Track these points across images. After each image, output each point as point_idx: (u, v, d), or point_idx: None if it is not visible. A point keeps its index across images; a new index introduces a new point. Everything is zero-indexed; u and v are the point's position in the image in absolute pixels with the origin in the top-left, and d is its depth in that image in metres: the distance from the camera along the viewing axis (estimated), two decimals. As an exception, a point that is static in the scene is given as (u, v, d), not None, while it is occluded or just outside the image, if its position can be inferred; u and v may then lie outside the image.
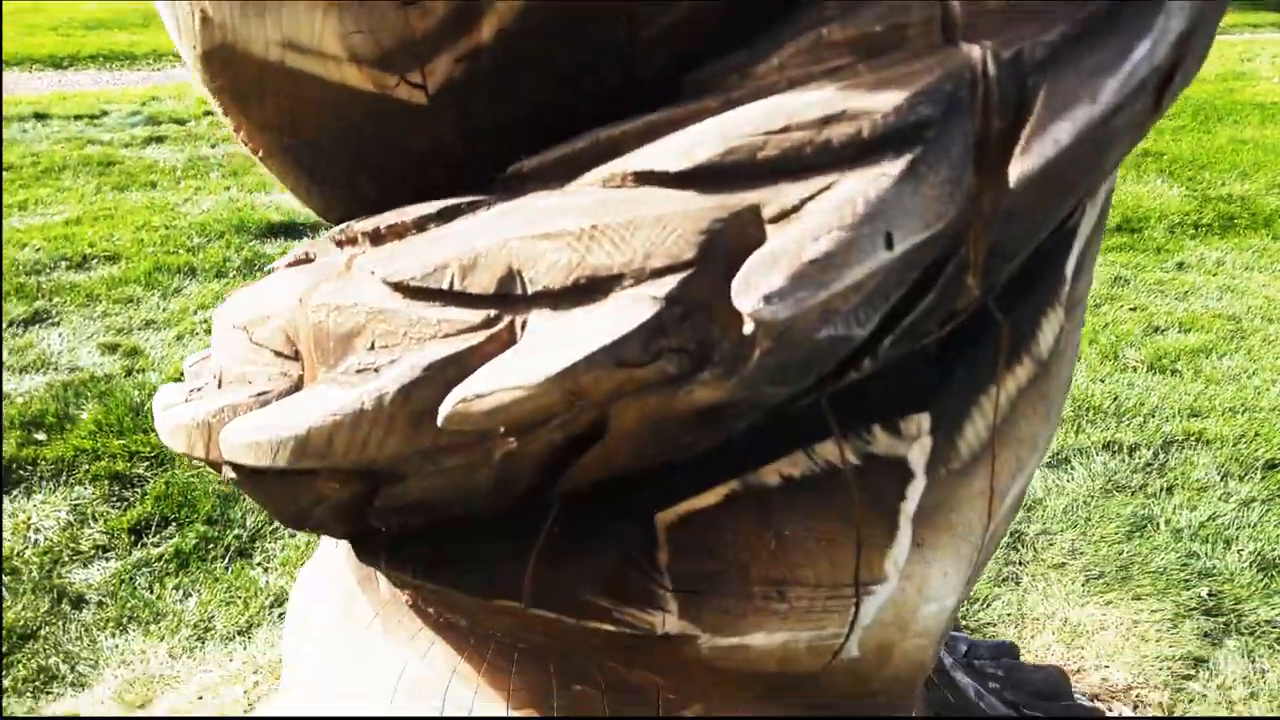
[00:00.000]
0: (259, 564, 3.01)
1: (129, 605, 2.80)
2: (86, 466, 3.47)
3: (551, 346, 0.63)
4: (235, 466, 0.83)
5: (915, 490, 0.78)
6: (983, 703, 1.40)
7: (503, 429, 0.67)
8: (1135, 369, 4.29)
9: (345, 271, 0.75)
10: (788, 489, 0.77)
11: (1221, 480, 3.51)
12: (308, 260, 0.81)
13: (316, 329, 0.72)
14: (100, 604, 2.81)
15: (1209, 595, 2.87)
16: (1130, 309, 4.89)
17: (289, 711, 1.17)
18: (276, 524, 3.24)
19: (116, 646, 2.63)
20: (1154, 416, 3.93)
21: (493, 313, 0.66)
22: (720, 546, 0.79)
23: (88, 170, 6.91)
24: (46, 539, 3.09)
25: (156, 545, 3.08)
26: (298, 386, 0.76)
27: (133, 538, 3.15)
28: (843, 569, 0.79)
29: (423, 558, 0.91)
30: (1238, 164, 7.24)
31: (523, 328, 0.65)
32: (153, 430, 3.81)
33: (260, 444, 0.73)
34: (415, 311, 0.68)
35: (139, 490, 3.41)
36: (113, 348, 4.38)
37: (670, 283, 0.59)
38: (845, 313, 0.57)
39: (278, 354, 0.77)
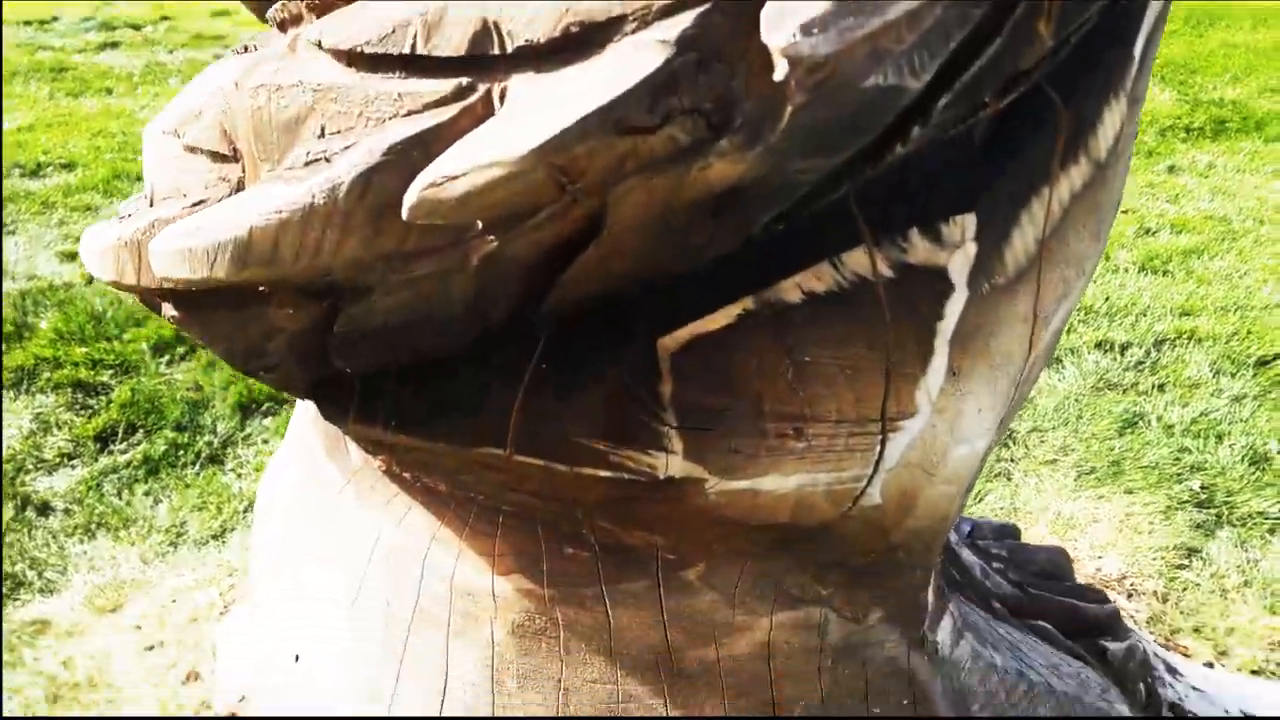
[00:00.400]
0: (232, 470, 2.92)
1: (97, 512, 2.71)
2: (48, 375, 3.34)
3: (537, 113, 0.51)
4: (174, 296, 0.72)
5: (954, 307, 0.68)
6: (988, 580, 1.34)
7: (480, 223, 0.56)
8: (1127, 270, 4.22)
9: (289, 53, 0.63)
10: (810, 307, 0.67)
11: (1213, 377, 3.47)
12: (247, 51, 0.69)
13: (256, 118, 0.61)
14: (67, 511, 2.72)
15: (1201, 488, 2.83)
16: (1122, 212, 4.81)
17: (256, 575, 1.08)
18: (249, 429, 3.13)
19: (85, 553, 2.54)
20: (1145, 316, 3.87)
21: (465, 80, 0.55)
22: (731, 376, 0.69)
23: (39, 77, 6.60)
24: (9, 448, 2.97)
25: (124, 452, 2.98)
26: (239, 190, 0.65)
27: (99, 445, 3.04)
28: (869, 402, 0.70)
29: (395, 407, 0.81)
30: (1229, 68, 7.10)
31: (501, 97, 0.54)
32: (116, 337, 3.67)
33: (194, 251, 0.62)
34: (372, 86, 0.57)
35: (103, 398, 3.29)
36: (71, 256, 4.21)
37: (683, 21, 0.48)
38: (898, 55, 0.46)
39: (214, 156, 0.66)
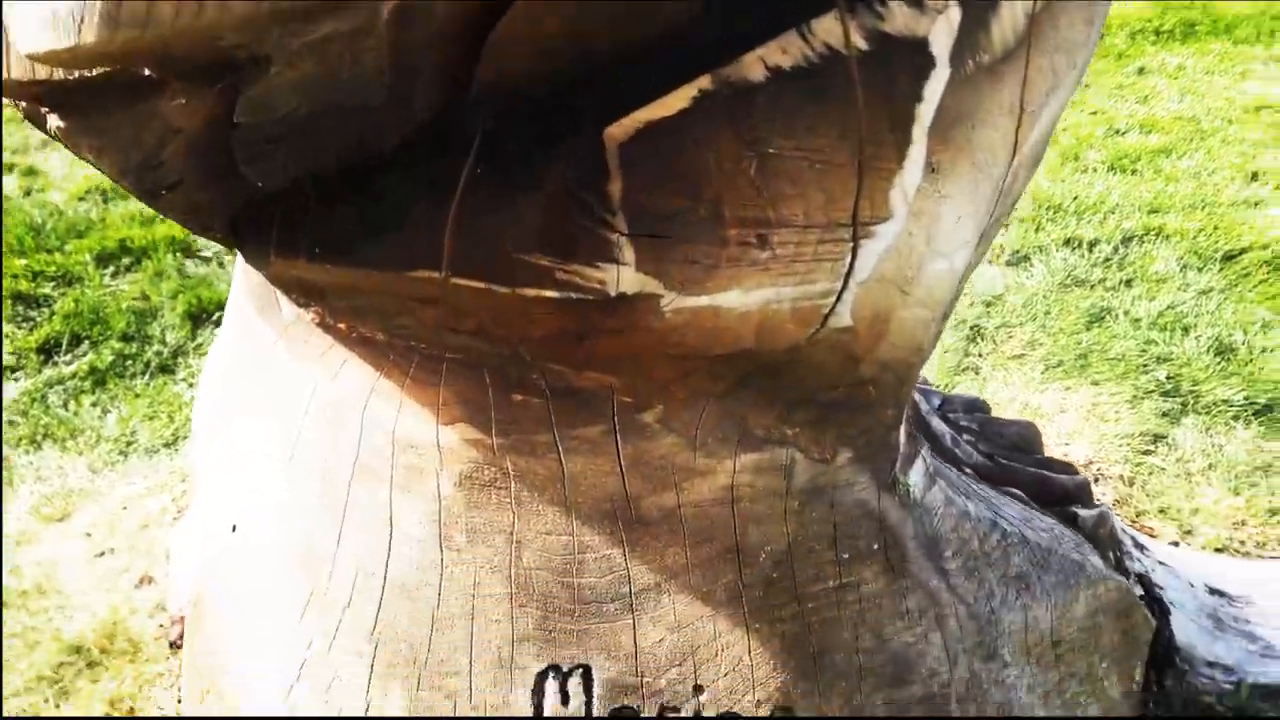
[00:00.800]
0: (183, 379, 2.82)
1: (42, 423, 2.61)
2: (-15, 288, 3.20)
3: None
4: (56, 99, 0.63)
5: (935, 87, 0.61)
6: (958, 449, 1.30)
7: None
8: (1096, 170, 4.18)
9: None
10: (774, 86, 0.59)
11: (1180, 272, 3.46)
12: None
13: None
14: (10, 423, 2.62)
15: (1167, 379, 2.83)
16: (1091, 113, 4.75)
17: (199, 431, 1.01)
18: (200, 338, 3.03)
19: (31, 463, 2.46)
20: (1114, 214, 3.84)
21: None
22: (687, 172, 0.62)
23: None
24: (-55, 359, 2.85)
25: (69, 364, 2.87)
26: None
27: (42, 357, 2.93)
28: (839, 203, 0.64)
29: (318, 234, 0.74)
30: (1200, -31, 7.00)
31: None
32: (57, 249, 3.52)
33: (59, 14, 0.53)
34: None
35: (45, 310, 3.16)
36: (9, 168, 4.02)
37: None
38: None
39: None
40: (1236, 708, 1.87)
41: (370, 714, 0.87)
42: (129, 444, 2.53)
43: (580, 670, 0.85)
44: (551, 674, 0.85)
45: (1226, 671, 1.90)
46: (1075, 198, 3.92)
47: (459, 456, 0.85)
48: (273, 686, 0.92)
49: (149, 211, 3.78)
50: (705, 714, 0.83)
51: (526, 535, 0.85)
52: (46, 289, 3.28)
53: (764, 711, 0.83)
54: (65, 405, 2.71)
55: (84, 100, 0.62)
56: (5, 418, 2.71)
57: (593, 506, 0.84)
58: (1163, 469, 2.44)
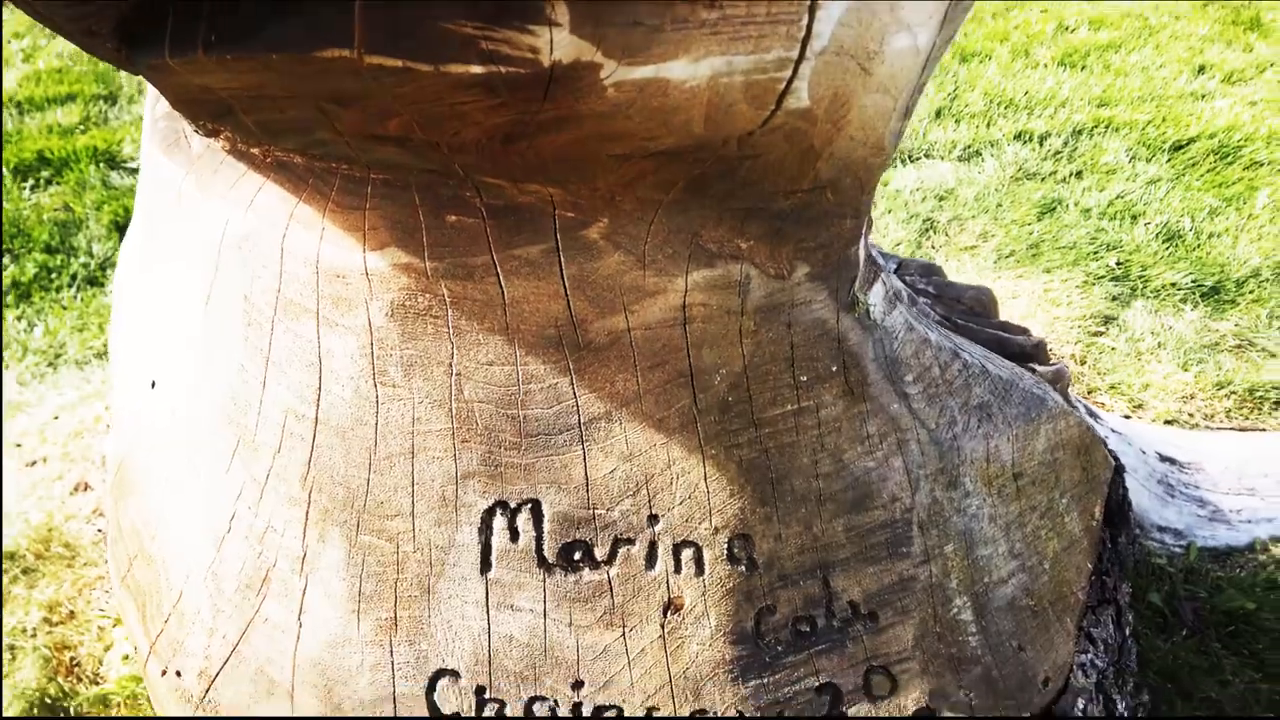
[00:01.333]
0: (112, 291, 2.70)
1: (-37, 338, 2.49)
2: (-106, 203, 3.02)
3: None
4: None
5: None
6: (915, 307, 1.27)
7: None
8: (1046, 66, 4.15)
9: None
10: None
11: (1129, 163, 3.46)
12: None
13: None
14: (-72, 339, 2.48)
15: (1117, 264, 2.84)
16: (1041, 10, 4.70)
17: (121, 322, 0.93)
18: (129, 251, 2.90)
19: (-47, 379, 2.34)
20: (1064, 108, 3.82)
21: None
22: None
23: None
24: None
25: (-11, 278, 2.73)
26: None
27: (-41, 272, 2.78)
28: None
29: (215, 21, 0.66)
30: None
31: None
32: (-30, 163, 3.32)
33: None
34: None
35: (-39, 225, 3.00)
36: (-90, 80, 3.79)
37: None
38: None
39: None
40: (1185, 569, 1.91)
41: (307, 559, 0.82)
42: (58, 356, 2.42)
43: (529, 505, 0.80)
44: (499, 511, 0.80)
45: (1176, 535, 1.93)
46: (1026, 93, 3.89)
47: (390, 284, 0.79)
48: (203, 543, 0.87)
49: (68, 121, 3.59)
50: (660, 542, 0.79)
51: (467, 366, 0.79)
52: (-39, 204, 3.10)
53: (722, 538, 0.80)
54: (-13, 320, 2.58)
55: None
56: (-78, 334, 2.57)
57: (537, 333, 0.79)
58: (1113, 348, 2.46)
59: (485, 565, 0.80)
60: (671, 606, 0.80)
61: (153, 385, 0.93)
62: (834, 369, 0.82)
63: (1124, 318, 2.60)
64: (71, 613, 1.68)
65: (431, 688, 0.81)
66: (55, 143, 3.37)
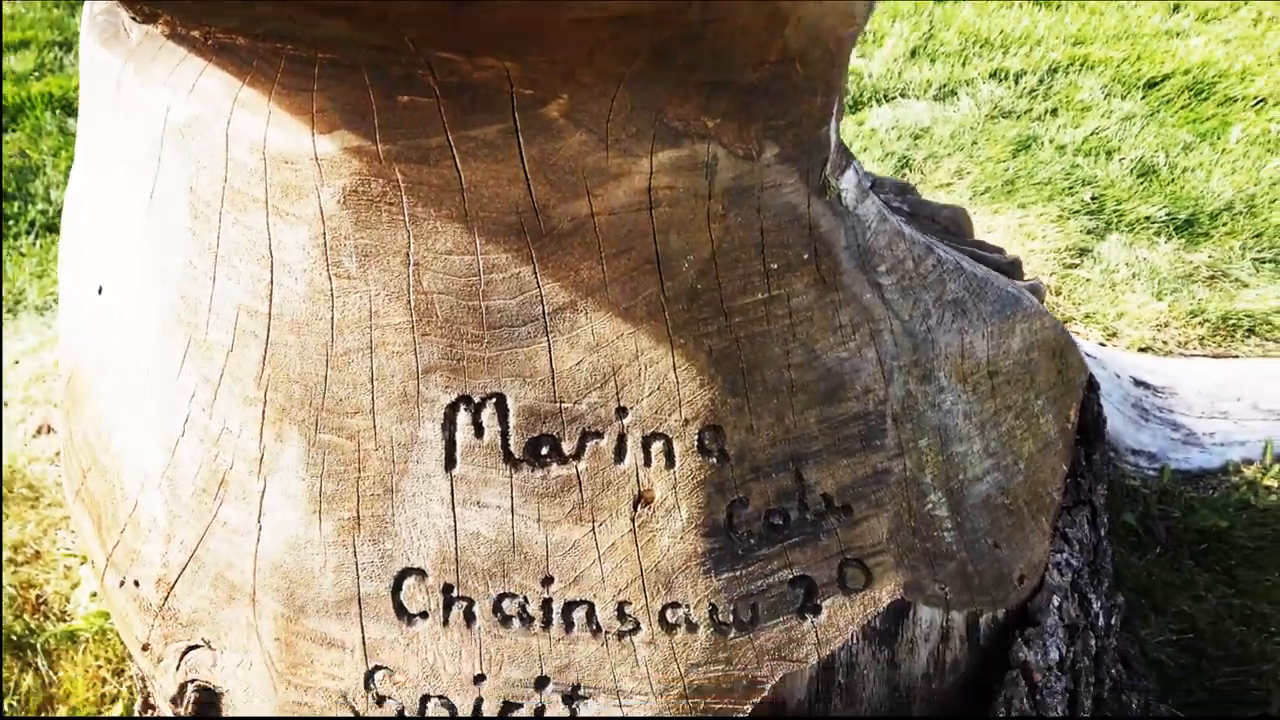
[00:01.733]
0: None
1: (-78, 287, 2.42)
2: None
3: None
4: None
5: None
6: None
7: None
8: (1022, 4, 4.11)
9: None
10: None
11: (1104, 99, 3.44)
12: None
13: None
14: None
15: (1092, 199, 2.83)
16: (1016, -51, 4.66)
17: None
18: (88, 198, 2.82)
19: (-92, 327, 2.28)
20: (1040, 46, 3.79)
21: None
22: None
23: None
24: None
25: (-50, 224, 2.65)
26: None
27: (-88, 220, 2.70)
28: None
29: None
30: None
31: None
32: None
33: None
34: None
35: (-87, 173, 2.91)
36: None
37: None
38: None
39: None
40: (1159, 491, 1.91)
41: (265, 460, 0.79)
42: (17, 302, 2.37)
43: (494, 399, 0.78)
44: (462, 406, 0.78)
45: (1150, 459, 1.93)
46: (1001, 32, 3.86)
47: (341, 169, 0.76)
48: (156, 448, 0.84)
49: (22, 68, 3.48)
50: (629, 435, 0.77)
51: (425, 256, 0.76)
52: (-88, 151, 3.01)
53: (692, 430, 0.78)
54: (-52, 270, 2.52)
55: None
56: (-125, 282, 2.50)
57: (496, 220, 0.76)
58: (1088, 280, 2.45)
59: (450, 462, 0.78)
60: (642, 500, 0.78)
61: (99, 291, 0.90)
62: (805, 256, 0.80)
63: (1099, 250, 2.59)
64: (37, 553, 1.65)
65: (397, 587, 0.78)
66: (9, 89, 3.27)
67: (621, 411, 0.78)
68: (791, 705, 0.81)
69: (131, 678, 1.43)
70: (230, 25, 0.75)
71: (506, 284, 0.77)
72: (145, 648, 0.85)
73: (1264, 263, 2.67)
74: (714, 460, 0.78)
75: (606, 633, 0.78)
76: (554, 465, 0.78)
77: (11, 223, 2.66)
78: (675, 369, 0.77)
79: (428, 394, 0.78)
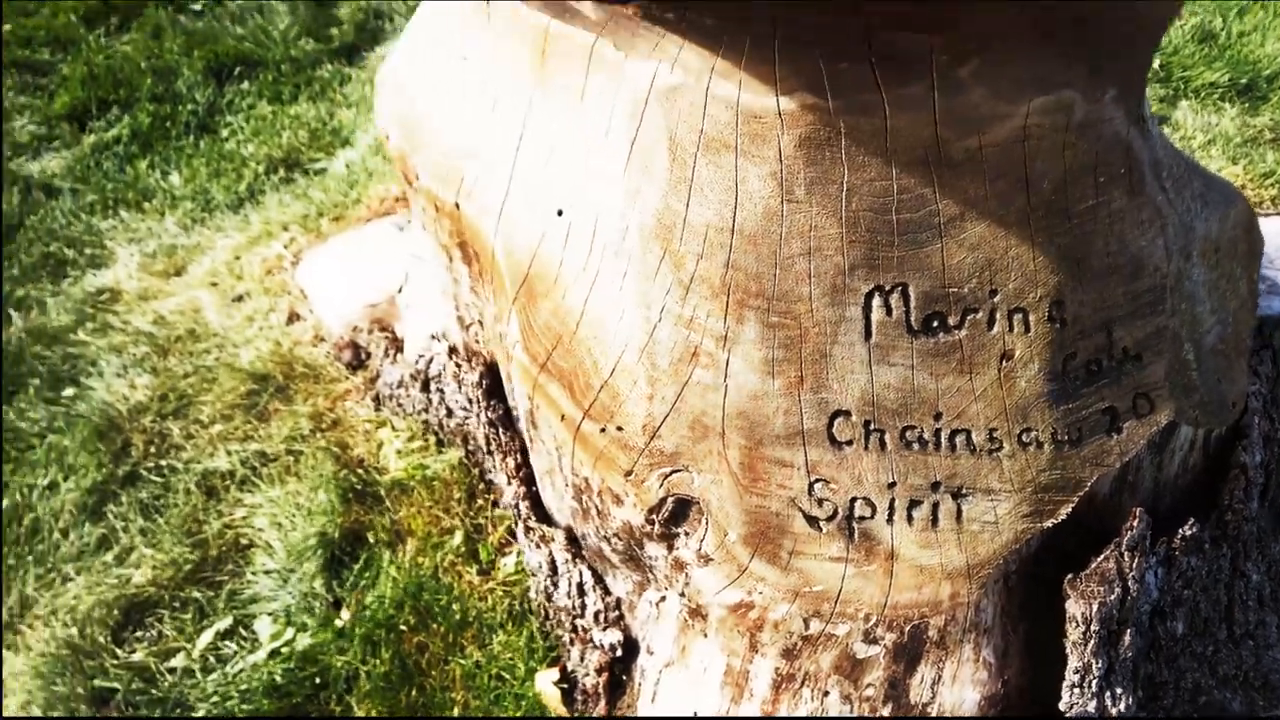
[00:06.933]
0: (228, 136, 2.82)
1: (108, 188, 2.62)
2: (-21, 57, 3.04)
3: None
4: None
5: None
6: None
7: None
8: None
9: None
10: None
11: (1165, -36, 3.57)
12: None
13: None
14: (74, 191, 2.62)
15: (1160, 68, 3.05)
16: None
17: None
18: (228, 95, 2.98)
19: (115, 226, 2.50)
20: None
21: None
22: None
23: None
24: (-27, 134, 2.77)
25: (106, 129, 2.82)
26: None
27: (74, 124, 2.87)
28: None
29: None
30: None
31: None
32: (35, 13, 3.32)
33: None
34: None
35: (53, 76, 3.04)
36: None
37: None
38: None
39: None
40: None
41: (729, 338, 1.09)
42: (207, 201, 2.58)
43: (899, 288, 1.07)
44: (876, 293, 1.07)
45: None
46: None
47: (799, 121, 1.02)
48: (635, 331, 1.13)
49: (120, -35, 3.53)
50: (999, 309, 1.07)
51: (854, 183, 1.04)
52: (44, 54, 3.13)
53: (1043, 305, 1.08)
54: (121, 169, 2.72)
55: None
56: (67, 186, 2.70)
57: (909, 154, 1.03)
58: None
59: (867, 334, 1.08)
60: (1005, 356, 1.08)
61: (559, 213, 1.16)
62: (1122, 171, 1.08)
63: (1174, 117, 2.84)
64: (335, 420, 1.95)
65: (830, 423, 1.10)
66: (114, -12, 3.35)
67: (993, 293, 1.07)
68: (1099, 497, 1.15)
69: (459, 515, 1.76)
70: (707, 12, 1.00)
71: (913, 202, 1.05)
72: (628, 474, 1.16)
73: (1314, 123, 2.94)
74: (1057, 326, 1.08)
75: (980, 451, 1.10)
76: (942, 334, 1.08)
77: (167, 124, 2.82)
78: (1034, 260, 1.06)
79: (851, 285, 1.07)
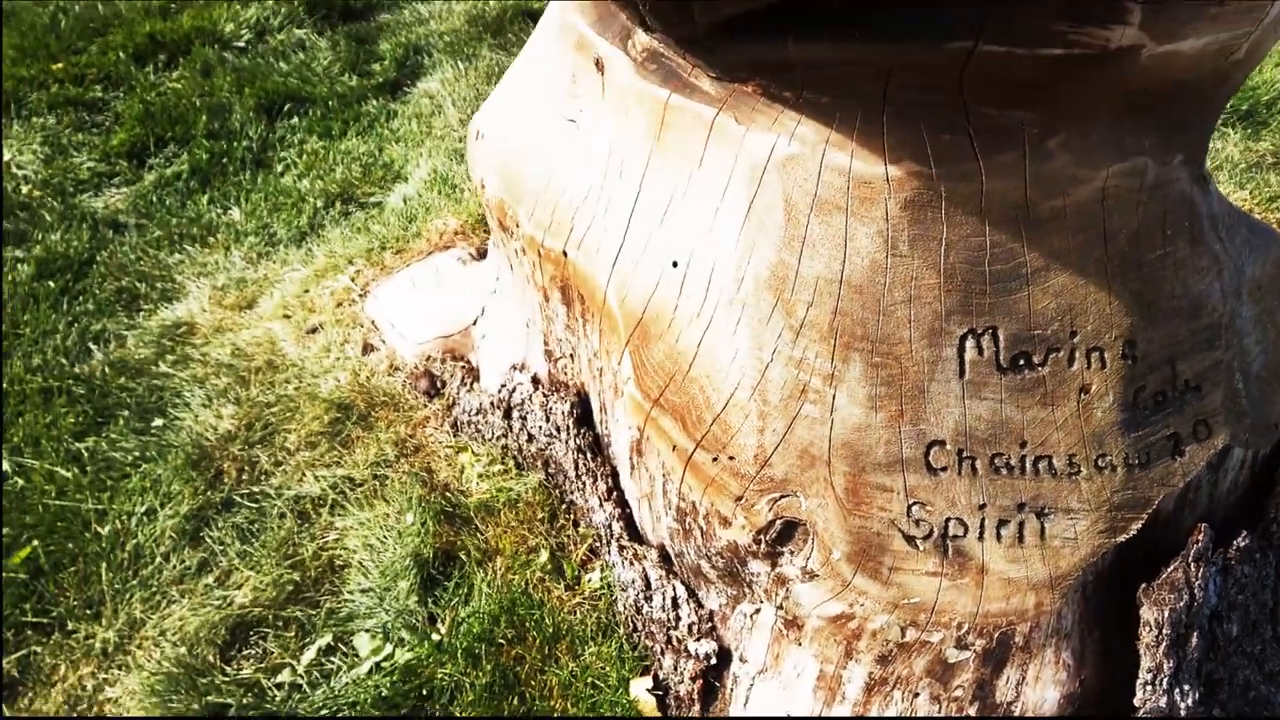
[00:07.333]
0: (283, 171, 2.93)
1: (172, 223, 2.73)
2: (35, 95, 3.14)
3: None
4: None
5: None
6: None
7: None
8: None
9: None
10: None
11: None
12: None
13: None
14: (139, 227, 2.73)
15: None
16: None
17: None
18: (280, 130, 3.09)
19: (183, 261, 2.61)
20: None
21: None
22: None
23: None
24: (38, 174, 2.88)
25: (166, 165, 2.93)
26: None
27: (134, 162, 2.97)
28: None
29: (835, 14, 0.98)
30: None
31: None
32: (84, 50, 3.42)
33: None
34: None
35: (108, 114, 3.15)
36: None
37: None
38: None
39: None
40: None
41: (835, 376, 1.21)
42: (270, 236, 2.69)
43: (989, 331, 1.20)
44: (970, 335, 1.20)
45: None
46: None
47: (904, 186, 1.15)
48: (748, 370, 1.25)
49: (159, 1, 3.64)
50: (1078, 349, 1.20)
51: (952, 239, 1.17)
52: (97, 91, 3.24)
53: (1118, 344, 1.21)
54: (184, 205, 2.82)
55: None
56: (132, 221, 2.80)
57: (1002, 213, 1.16)
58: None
59: (961, 372, 1.20)
60: (1084, 390, 1.21)
61: (674, 264, 1.29)
62: (1186, 224, 1.21)
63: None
64: (417, 446, 2.06)
65: (927, 452, 1.22)
66: (159, 25, 3.45)
67: (1073, 334, 1.20)
68: (1164, 514, 1.28)
69: (542, 534, 1.87)
70: (823, 92, 1.12)
71: (1004, 254, 1.18)
72: (739, 499, 1.29)
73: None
74: (1129, 362, 1.22)
75: (1060, 474, 1.23)
76: (1028, 371, 1.21)
77: (224, 160, 2.93)
78: (1110, 304, 1.20)
79: (947, 329, 1.20)
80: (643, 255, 1.33)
